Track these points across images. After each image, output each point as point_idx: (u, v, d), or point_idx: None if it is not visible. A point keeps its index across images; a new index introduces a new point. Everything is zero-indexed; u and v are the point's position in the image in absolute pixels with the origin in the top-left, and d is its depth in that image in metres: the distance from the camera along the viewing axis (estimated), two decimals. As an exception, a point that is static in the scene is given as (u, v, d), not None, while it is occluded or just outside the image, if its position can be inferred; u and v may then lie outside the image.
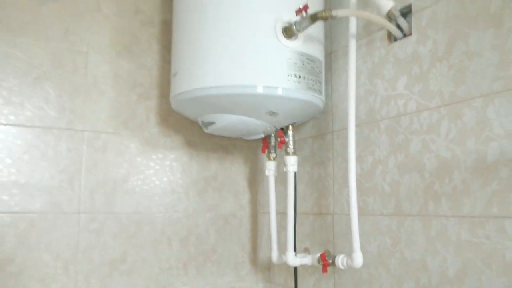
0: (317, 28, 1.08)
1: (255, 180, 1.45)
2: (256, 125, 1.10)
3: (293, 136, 1.18)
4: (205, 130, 1.14)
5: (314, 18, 0.94)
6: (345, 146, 1.13)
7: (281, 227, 1.31)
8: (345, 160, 1.12)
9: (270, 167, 1.25)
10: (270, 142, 1.25)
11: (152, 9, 1.33)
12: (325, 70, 1.20)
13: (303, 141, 1.29)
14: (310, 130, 1.27)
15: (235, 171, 1.41)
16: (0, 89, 1.10)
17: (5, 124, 1.09)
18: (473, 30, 0.85)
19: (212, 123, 1.09)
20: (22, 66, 1.13)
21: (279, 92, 1.00)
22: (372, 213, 1.04)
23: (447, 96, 0.88)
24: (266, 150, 1.25)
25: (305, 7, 0.96)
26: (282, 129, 1.19)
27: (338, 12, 0.95)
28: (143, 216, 1.25)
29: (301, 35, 1.03)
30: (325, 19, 0.94)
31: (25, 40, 1.14)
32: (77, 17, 1.21)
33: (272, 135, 1.24)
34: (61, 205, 1.14)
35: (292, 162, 1.16)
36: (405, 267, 0.94)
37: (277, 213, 1.31)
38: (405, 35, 1.00)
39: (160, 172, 1.29)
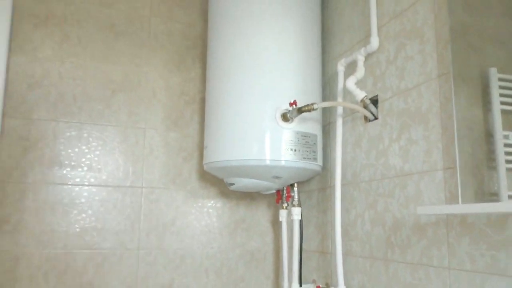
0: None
1: (277, 221, 1.78)
2: (265, 185, 1.44)
3: (298, 191, 1.50)
4: (229, 188, 1.50)
5: (300, 110, 1.28)
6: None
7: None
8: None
9: (283, 215, 1.58)
10: (282, 195, 1.58)
11: (194, 90, 1.73)
12: (324, 136, 1.52)
13: (311, 192, 1.60)
14: (316, 183, 1.58)
15: (260, 214, 1.75)
16: (85, 160, 1.54)
17: (88, 185, 1.53)
18: (413, 123, 1.13)
19: (232, 183, 1.45)
20: (100, 142, 1.56)
21: (281, 163, 1.34)
22: (355, 254, 1.33)
23: (398, 169, 1.17)
24: (279, 201, 1.59)
25: (295, 102, 1.30)
26: (291, 185, 1.52)
27: (320, 105, 1.28)
28: (186, 251, 1.62)
29: (296, 119, 1.36)
30: (308, 111, 1.27)
31: (101, 123, 1.58)
32: (138, 103, 1.64)
33: (284, 189, 1.57)
34: (125, 243, 1.54)
35: (296, 212, 1.48)
36: (375, 300, 1.23)
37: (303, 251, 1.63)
38: (375, 118, 1.30)
39: (199, 217, 1.66)
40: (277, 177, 1.40)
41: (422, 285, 1.05)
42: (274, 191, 1.56)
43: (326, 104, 1.29)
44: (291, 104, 1.32)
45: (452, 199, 0.99)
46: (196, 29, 1.76)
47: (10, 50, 1.50)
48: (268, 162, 1.34)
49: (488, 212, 0.76)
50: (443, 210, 0.84)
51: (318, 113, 1.46)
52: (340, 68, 1.43)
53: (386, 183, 1.22)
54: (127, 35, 1.65)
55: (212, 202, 1.70)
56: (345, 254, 1.37)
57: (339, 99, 1.41)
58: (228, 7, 1.45)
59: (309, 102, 1.38)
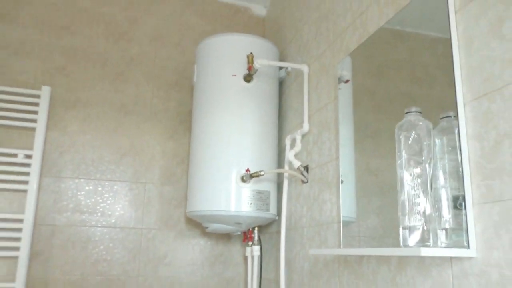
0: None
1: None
2: (231, 229, 1.93)
3: (258, 233, 1.98)
4: (205, 230, 1.99)
5: (251, 176, 1.77)
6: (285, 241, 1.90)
7: (259, 288, 2.08)
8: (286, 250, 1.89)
9: (248, 251, 2.05)
10: (247, 236, 2.05)
11: (184, 154, 2.24)
12: (280, 191, 2.01)
13: (272, 233, 2.07)
14: (275, 227, 2.06)
15: (234, 250, 2.23)
16: (100, 208, 2.06)
17: (101, 227, 2.04)
18: (325, 188, 1.61)
19: (207, 227, 1.94)
20: (111, 194, 2.08)
21: (242, 213, 1.83)
22: (295, 283, 1.79)
23: (317, 220, 1.64)
24: (246, 240, 2.06)
25: (248, 169, 1.80)
26: (253, 228, 2.00)
27: (266, 172, 1.77)
28: (175, 279, 2.10)
29: (251, 180, 1.85)
30: (257, 176, 1.76)
31: (112, 179, 2.10)
32: (141, 164, 2.16)
33: (248, 231, 2.05)
34: (128, 272, 2.04)
35: (256, 250, 1.95)
36: (304, 316, 1.68)
37: (264, 279, 2.09)
38: (307, 181, 1.78)
39: (186, 252, 2.15)
40: (238, 223, 1.88)
41: (326, 304, 1.51)
42: (240, 233, 2.04)
43: (270, 171, 1.79)
44: (246, 171, 1.82)
45: (339, 243, 1.46)
46: (187, 106, 2.30)
47: (48, 127, 2.05)
48: (233, 213, 1.82)
49: (343, 254, 1.23)
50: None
51: (272, 174, 1.95)
52: (287, 142, 1.93)
53: (311, 230, 1.69)
54: (134, 113, 2.20)
55: (196, 240, 2.18)
56: (289, 282, 1.83)
57: (286, 166, 1.90)
58: (205, 95, 1.98)
59: (262, 169, 1.88)
